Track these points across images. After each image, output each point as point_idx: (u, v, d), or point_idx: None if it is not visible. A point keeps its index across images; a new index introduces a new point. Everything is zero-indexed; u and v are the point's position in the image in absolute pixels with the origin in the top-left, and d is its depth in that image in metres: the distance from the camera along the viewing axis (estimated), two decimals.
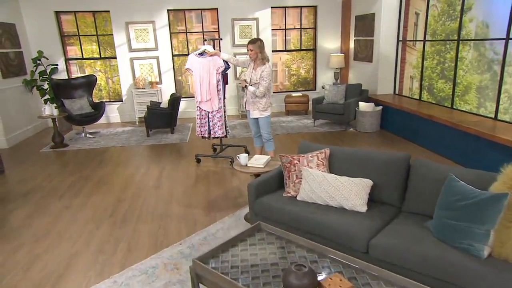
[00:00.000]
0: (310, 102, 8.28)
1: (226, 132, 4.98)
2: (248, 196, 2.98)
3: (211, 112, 4.84)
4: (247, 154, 3.40)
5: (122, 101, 8.17)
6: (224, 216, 3.60)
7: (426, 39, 6.21)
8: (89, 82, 7.10)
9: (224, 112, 4.89)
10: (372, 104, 6.52)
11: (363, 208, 2.65)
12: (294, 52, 8.70)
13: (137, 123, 7.91)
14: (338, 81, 8.41)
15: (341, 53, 8.38)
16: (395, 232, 2.39)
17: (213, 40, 4.96)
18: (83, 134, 6.96)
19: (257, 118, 4.39)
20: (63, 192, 4.38)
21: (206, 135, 4.97)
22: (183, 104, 7.98)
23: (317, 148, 3.13)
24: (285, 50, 8.63)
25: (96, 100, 8.08)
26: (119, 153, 5.88)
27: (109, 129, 7.57)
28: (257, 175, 3.29)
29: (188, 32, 8.13)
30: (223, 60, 4.61)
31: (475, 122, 4.72)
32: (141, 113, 7.77)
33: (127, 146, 6.28)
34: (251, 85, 4.24)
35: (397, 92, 7.19)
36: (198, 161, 5.23)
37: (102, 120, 7.70)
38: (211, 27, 8.27)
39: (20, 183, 4.70)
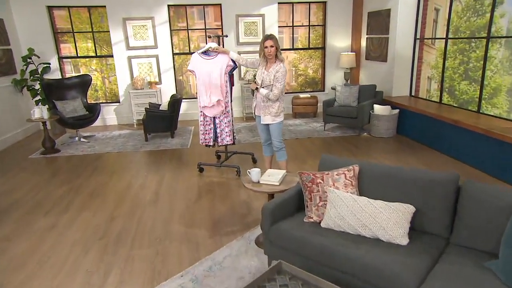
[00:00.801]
0: (319, 104, 7.81)
1: (234, 139, 4.51)
2: (262, 221, 2.51)
3: (218, 117, 4.36)
4: (259, 170, 2.92)
5: (119, 102, 7.69)
6: (231, 239, 3.13)
7: (449, 36, 5.72)
8: (83, 82, 6.62)
9: (232, 116, 4.41)
10: (388, 107, 6.04)
11: (404, 240, 2.17)
12: (302, 50, 8.22)
13: (135, 126, 7.44)
14: (348, 81, 7.93)
15: (351, 52, 7.90)
16: (450, 274, 1.91)
17: (218, 37, 4.49)
18: (76, 138, 6.49)
19: (268, 124, 3.91)
20: (50, 206, 3.90)
21: (211, 143, 4.49)
22: (184, 106, 7.50)
23: (343, 163, 2.66)
24: (292, 49, 8.14)
25: (91, 101, 7.62)
26: (115, 160, 5.41)
27: (105, 132, 7.09)
28: (271, 194, 2.82)
29: (190, 29, 7.65)
30: (232, 60, 4.13)
31: (509, 129, 4.24)
32: (139, 115, 7.30)
33: (124, 152, 5.80)
34: (263, 87, 3.76)
35: (413, 94, 6.71)
36: (201, 170, 4.75)
37: (97, 123, 7.22)
38: (214, 23, 7.78)
39: (2, 196, 4.22)
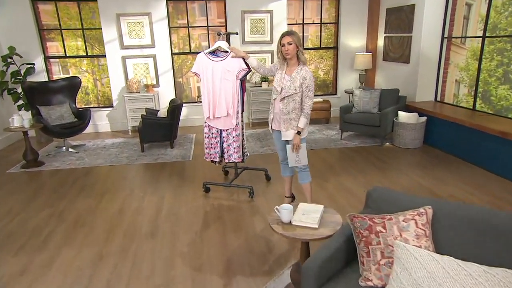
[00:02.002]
0: (332, 109, 7.15)
1: (243, 156, 3.83)
2: (304, 285, 1.83)
3: (225, 130, 3.68)
4: (291, 207, 2.24)
5: (112, 106, 6.98)
6: None
7: (486, 34, 5.07)
8: (72, 86, 5.91)
9: (242, 129, 3.73)
10: (415, 114, 5.38)
11: None
12: (312, 50, 7.55)
13: (129, 133, 6.74)
14: (363, 84, 7.28)
15: (367, 52, 7.24)
16: None
17: (228, 34, 3.81)
18: (64, 147, 5.78)
19: (289, 141, 3.24)
20: (24, 240, 3.20)
21: (217, 159, 3.81)
22: (184, 111, 6.81)
23: (406, 201, 1.99)
24: (302, 48, 7.45)
25: (81, 105, 6.91)
26: (107, 176, 4.71)
27: (97, 140, 6.38)
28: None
29: (191, 27, 6.96)
30: (245, 63, 3.45)
31: None
32: (134, 121, 6.60)
33: (117, 165, 5.10)
34: (284, 98, 3.09)
35: (438, 99, 6.06)
36: (207, 190, 4.07)
37: (88, 129, 6.52)
38: (217, 20, 7.10)
39: None
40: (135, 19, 6.56)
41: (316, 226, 2.16)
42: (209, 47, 7.35)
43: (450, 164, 4.72)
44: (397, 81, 6.47)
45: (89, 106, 7.03)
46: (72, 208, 3.79)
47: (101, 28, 6.53)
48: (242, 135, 3.73)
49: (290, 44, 3.00)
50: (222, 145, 3.78)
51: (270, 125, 3.30)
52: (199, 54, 3.54)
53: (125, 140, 6.36)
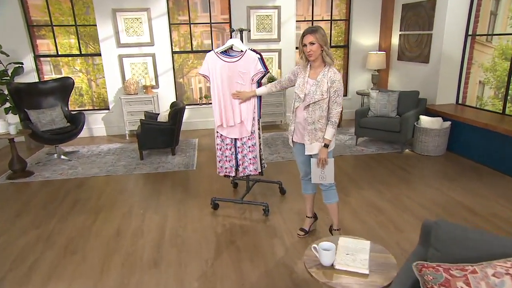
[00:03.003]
0: (344, 111, 6.71)
1: (261, 168, 3.38)
2: None
3: (240, 139, 3.22)
4: (333, 246, 1.80)
5: (108, 109, 6.50)
6: None
7: None
8: (64, 87, 5.43)
9: (259, 137, 3.27)
10: (439, 119, 4.95)
11: None
12: None
13: (127, 138, 6.27)
14: (376, 85, 6.85)
15: (380, 51, 6.81)
16: None
17: (241, 31, 3.36)
18: (55, 154, 5.30)
19: (312, 155, 2.79)
20: (4, 271, 2.73)
21: (232, 174, 3.36)
22: (185, 113, 6.34)
23: (489, 243, 1.55)
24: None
25: (75, 108, 6.44)
26: (102, 188, 4.24)
27: (91, 146, 5.90)
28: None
29: (192, 24, 6.48)
30: (261, 62, 2.99)
31: None
32: (132, 125, 6.13)
33: (114, 175, 4.63)
34: (309, 105, 2.64)
35: (460, 101, 5.64)
36: (215, 207, 3.61)
37: (83, 133, 6.03)
38: (221, 17, 6.63)
39: None
40: (132, 15, 6.07)
41: (367, 272, 1.72)
42: (212, 46, 6.95)
43: (481, 175, 4.29)
44: (414, 83, 6.04)
45: (83, 108, 6.55)
46: (63, 229, 3.32)
47: (95, 25, 6.04)
48: (259, 145, 3.27)
49: (313, 44, 2.55)
50: (237, 157, 3.33)
51: (290, 138, 2.85)
52: (208, 53, 3.08)
53: (122, 145, 5.88)
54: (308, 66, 2.70)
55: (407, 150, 5.24)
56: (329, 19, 6.90)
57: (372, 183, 4.13)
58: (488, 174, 4.31)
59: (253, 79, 3.04)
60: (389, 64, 6.79)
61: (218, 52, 3.05)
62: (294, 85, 2.82)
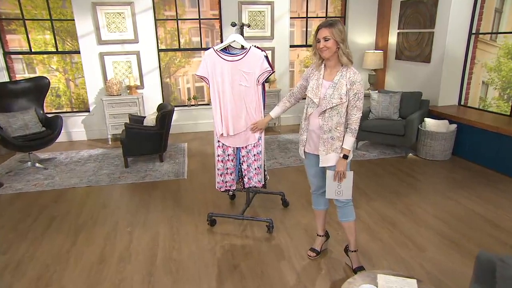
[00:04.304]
0: None
1: (264, 179, 3.01)
2: None
3: (245, 148, 2.84)
4: None
5: (89, 111, 5.99)
6: None
7: None
8: (38, 87, 4.91)
9: (263, 144, 2.90)
10: (445, 121, 4.70)
11: None
12: None
13: (109, 142, 5.78)
14: (373, 86, 6.59)
15: (377, 50, 6.54)
16: None
17: (242, 26, 2.98)
18: (29, 162, 4.78)
19: (324, 167, 2.44)
20: None
21: (233, 187, 2.98)
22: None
23: None
24: (305, 45, 6.69)
25: (51, 110, 5.90)
26: (83, 202, 3.78)
27: (70, 152, 5.40)
28: None
29: (179, 19, 6.04)
30: (267, 61, 2.62)
31: None
32: (115, 129, 5.65)
33: (96, 186, 4.17)
34: (325, 111, 2.29)
35: (462, 102, 5.42)
36: (212, 223, 3.22)
37: (61, 138, 5.52)
38: (210, 13, 6.22)
39: None
40: (114, 9, 5.59)
41: None
42: (200, 43, 6.52)
43: (494, 181, 4.05)
44: (414, 83, 5.80)
45: (60, 111, 6.02)
46: (35, 254, 2.86)
47: (73, 20, 5.52)
48: (263, 154, 2.90)
49: (328, 39, 2.20)
50: (240, 167, 2.94)
51: (302, 148, 2.49)
52: (206, 51, 2.68)
53: (104, 151, 5.40)
54: (323, 66, 2.35)
55: (410, 154, 4.97)
56: (324, 16, 6.58)
57: (380, 192, 3.82)
58: (501, 181, 4.06)
59: (258, 80, 2.67)
60: (386, 64, 6.53)
61: (218, 49, 2.66)
62: (303, 97, 2.50)
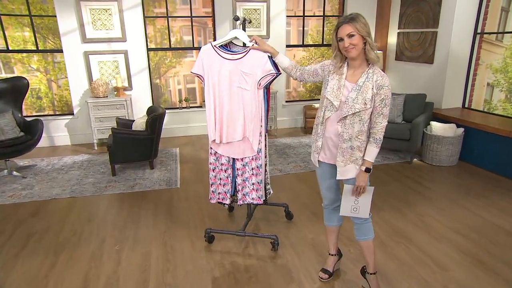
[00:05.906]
0: None
1: (266, 195, 2.71)
2: None
3: (241, 160, 2.53)
4: None
5: (73, 114, 5.59)
6: None
7: None
8: (16, 89, 4.51)
9: (265, 156, 2.60)
10: (453, 125, 4.49)
11: None
12: (313, 47, 6.54)
13: (95, 147, 5.40)
14: None
15: (376, 50, 6.31)
16: None
17: (244, 21, 2.69)
18: (6, 171, 4.37)
19: (341, 179, 2.16)
20: None
21: (226, 201, 2.67)
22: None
23: None
24: (302, 45, 6.43)
25: (31, 113, 5.49)
26: (65, 215, 3.41)
27: (52, 158, 5.00)
28: None
29: (170, 17, 5.71)
30: (272, 62, 2.33)
31: None
32: (101, 133, 5.28)
33: (80, 196, 3.81)
34: (346, 116, 2.01)
35: (466, 105, 5.22)
36: (210, 240, 2.91)
37: (42, 143, 5.13)
38: (203, 10, 5.90)
39: None
40: (100, 5, 5.22)
41: None
42: (192, 42, 6.18)
43: (508, 189, 3.84)
44: (415, 84, 5.58)
45: (41, 114, 5.61)
46: (8, 280, 2.50)
47: (55, 16, 5.13)
48: (266, 167, 2.60)
49: (353, 36, 1.92)
50: (235, 180, 2.64)
51: (316, 156, 2.20)
52: (203, 46, 2.38)
53: (89, 157, 5.02)
54: (345, 65, 2.07)
55: (415, 159, 4.75)
56: (321, 15, 6.33)
57: (389, 202, 3.57)
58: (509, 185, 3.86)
59: (260, 83, 2.37)
60: (385, 65, 6.32)
61: (217, 45, 2.36)
62: (316, 81, 2.23)
